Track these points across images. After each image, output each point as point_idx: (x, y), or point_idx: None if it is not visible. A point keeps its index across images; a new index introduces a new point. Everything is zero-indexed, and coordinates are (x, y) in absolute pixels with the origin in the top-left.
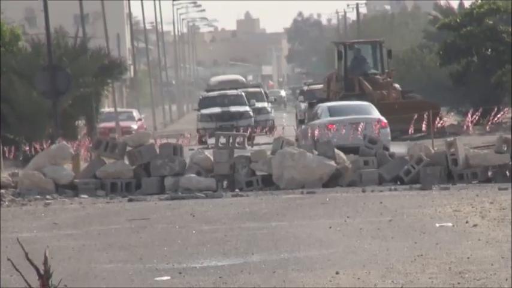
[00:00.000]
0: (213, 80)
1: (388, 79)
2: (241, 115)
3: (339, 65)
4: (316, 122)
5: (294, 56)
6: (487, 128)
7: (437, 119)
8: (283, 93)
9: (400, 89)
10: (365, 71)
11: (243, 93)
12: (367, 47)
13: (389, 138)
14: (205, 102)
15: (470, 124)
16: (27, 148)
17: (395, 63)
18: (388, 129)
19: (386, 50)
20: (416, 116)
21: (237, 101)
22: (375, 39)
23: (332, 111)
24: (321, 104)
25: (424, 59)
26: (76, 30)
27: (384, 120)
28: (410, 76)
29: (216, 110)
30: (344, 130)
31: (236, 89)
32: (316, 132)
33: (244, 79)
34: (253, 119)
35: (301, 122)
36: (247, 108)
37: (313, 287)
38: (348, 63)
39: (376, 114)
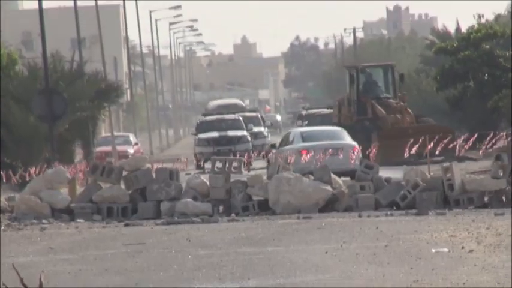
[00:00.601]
0: (211, 104)
1: (402, 103)
2: (239, 139)
3: (351, 88)
4: (290, 147)
5: (291, 81)
6: (480, 152)
7: (457, 142)
8: (278, 117)
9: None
10: (377, 95)
11: (241, 118)
12: (378, 71)
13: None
14: (202, 127)
15: (463, 149)
16: (24, 172)
17: None
18: (360, 155)
19: (398, 73)
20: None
21: (234, 125)
22: (386, 62)
23: (305, 137)
24: (292, 130)
25: (420, 84)
26: (72, 53)
27: (357, 145)
28: (407, 100)
29: (214, 134)
30: (318, 155)
31: (234, 113)
32: (291, 157)
33: (243, 103)
34: (251, 143)
35: (272, 146)
36: (244, 132)
37: None
38: (360, 87)
39: (349, 140)
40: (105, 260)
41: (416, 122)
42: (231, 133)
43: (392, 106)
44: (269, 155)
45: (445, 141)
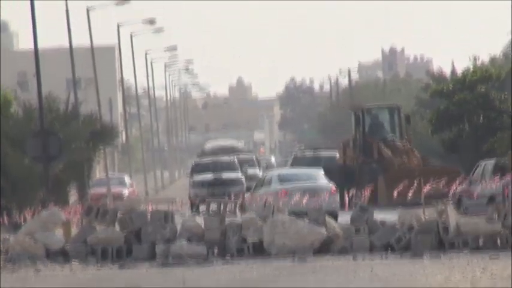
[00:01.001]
0: (208, 145)
1: (408, 145)
2: (233, 182)
3: (357, 130)
4: (267, 189)
5: (286, 123)
6: (475, 196)
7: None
8: (273, 159)
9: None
10: (383, 136)
11: (236, 160)
12: (384, 112)
13: (338, 205)
14: (197, 169)
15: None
16: (19, 214)
17: None
18: (337, 197)
19: (404, 114)
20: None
21: (229, 167)
22: (393, 103)
23: (282, 179)
24: (269, 172)
25: (416, 126)
26: (68, 95)
27: (334, 187)
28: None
29: (208, 176)
30: (296, 197)
31: (229, 155)
32: (270, 198)
33: (239, 144)
34: (245, 185)
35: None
36: (239, 174)
37: None
38: (365, 128)
39: (325, 181)
40: None
41: (423, 163)
42: (226, 175)
43: (399, 148)
44: (245, 199)
45: (457, 182)
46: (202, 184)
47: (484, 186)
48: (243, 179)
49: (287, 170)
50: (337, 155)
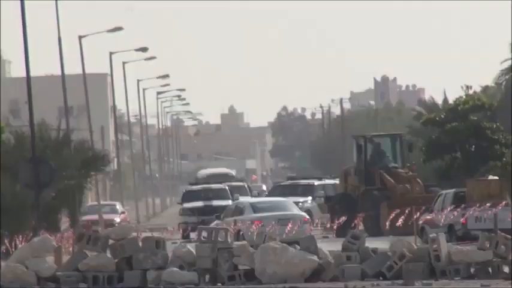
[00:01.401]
0: (200, 173)
1: (411, 173)
2: (224, 209)
3: (359, 158)
4: (239, 217)
5: (278, 150)
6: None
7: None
8: (264, 187)
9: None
10: (386, 165)
11: (227, 187)
12: (387, 140)
13: (310, 233)
14: (188, 196)
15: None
16: (10, 241)
17: None
18: (309, 225)
19: (406, 142)
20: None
21: (220, 195)
22: (395, 132)
23: (255, 208)
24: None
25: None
26: (59, 122)
27: (307, 216)
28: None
29: (199, 204)
30: (270, 226)
31: (221, 182)
32: (243, 227)
33: (233, 172)
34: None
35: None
36: (229, 202)
37: None
38: (367, 156)
39: (297, 210)
40: None
41: (425, 191)
42: (216, 203)
43: (402, 176)
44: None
45: (458, 209)
46: (192, 211)
47: (443, 216)
48: (307, 204)
49: (259, 199)
50: (316, 183)
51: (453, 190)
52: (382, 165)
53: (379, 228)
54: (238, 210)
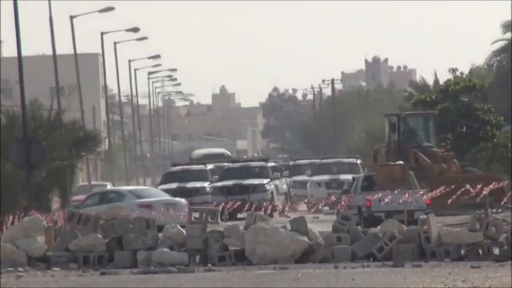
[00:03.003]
0: (196, 153)
1: (446, 153)
2: (197, 191)
3: (391, 137)
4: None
5: (269, 131)
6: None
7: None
8: None
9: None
10: (419, 144)
11: (208, 169)
12: (419, 119)
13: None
14: (167, 178)
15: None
16: (0, 221)
17: (369, 140)
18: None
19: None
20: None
21: (199, 176)
22: (428, 111)
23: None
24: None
25: None
26: (51, 102)
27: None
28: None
29: (173, 186)
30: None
31: (205, 164)
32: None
33: (229, 153)
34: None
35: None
36: (205, 184)
37: None
38: (401, 135)
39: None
40: None
41: (462, 171)
42: (190, 184)
43: (438, 155)
44: None
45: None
46: (166, 193)
47: (354, 199)
48: (209, 188)
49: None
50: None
51: (363, 174)
52: (415, 144)
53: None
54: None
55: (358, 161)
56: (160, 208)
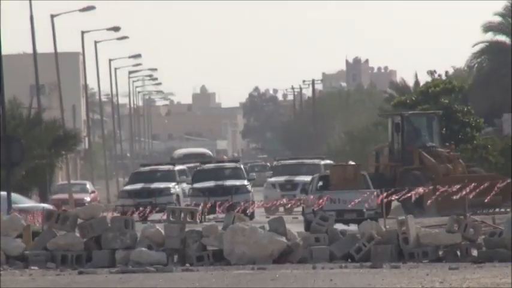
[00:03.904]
0: (177, 153)
1: (451, 153)
2: (161, 192)
3: (395, 137)
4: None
5: (249, 131)
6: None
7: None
8: None
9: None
10: (423, 144)
11: (176, 170)
12: (423, 119)
13: None
14: (134, 178)
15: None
16: None
17: (349, 140)
18: None
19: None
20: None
21: (165, 177)
22: (432, 111)
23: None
24: None
25: (378, 137)
26: (31, 100)
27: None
28: (365, 153)
29: (138, 186)
30: None
31: (174, 164)
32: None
33: (211, 153)
34: (174, 196)
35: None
36: (169, 185)
37: None
38: (404, 135)
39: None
40: None
41: (467, 171)
42: (154, 185)
43: (443, 155)
44: None
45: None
46: (129, 194)
47: (310, 198)
48: (173, 189)
49: None
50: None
51: (318, 174)
52: (419, 144)
53: (421, 208)
54: None
55: (322, 162)
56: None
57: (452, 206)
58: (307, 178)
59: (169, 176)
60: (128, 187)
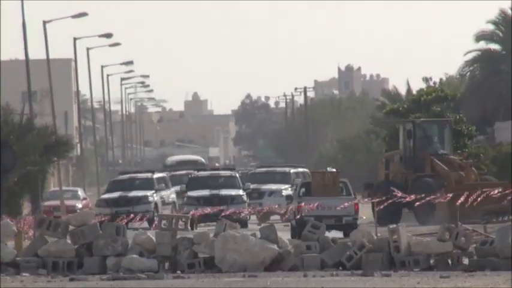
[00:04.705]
0: (169, 160)
1: (464, 160)
2: (139, 200)
3: (407, 144)
4: None
5: (241, 139)
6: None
7: None
8: None
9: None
10: (435, 151)
11: (155, 178)
12: (434, 126)
13: None
14: (112, 186)
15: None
16: None
17: (341, 148)
18: None
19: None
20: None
21: (144, 185)
22: (443, 118)
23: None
24: None
25: (370, 145)
26: (23, 107)
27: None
28: (357, 161)
29: (115, 195)
30: None
31: (153, 172)
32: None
33: (203, 160)
34: (153, 204)
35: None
36: (147, 193)
37: None
38: (416, 142)
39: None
40: None
41: (480, 179)
42: (132, 194)
43: (455, 162)
44: None
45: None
46: (107, 202)
47: (294, 204)
48: (151, 197)
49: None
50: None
51: (300, 181)
52: (431, 151)
53: (433, 216)
54: None
55: (293, 170)
56: None
57: (466, 213)
58: (275, 186)
59: (147, 184)
60: (106, 195)
